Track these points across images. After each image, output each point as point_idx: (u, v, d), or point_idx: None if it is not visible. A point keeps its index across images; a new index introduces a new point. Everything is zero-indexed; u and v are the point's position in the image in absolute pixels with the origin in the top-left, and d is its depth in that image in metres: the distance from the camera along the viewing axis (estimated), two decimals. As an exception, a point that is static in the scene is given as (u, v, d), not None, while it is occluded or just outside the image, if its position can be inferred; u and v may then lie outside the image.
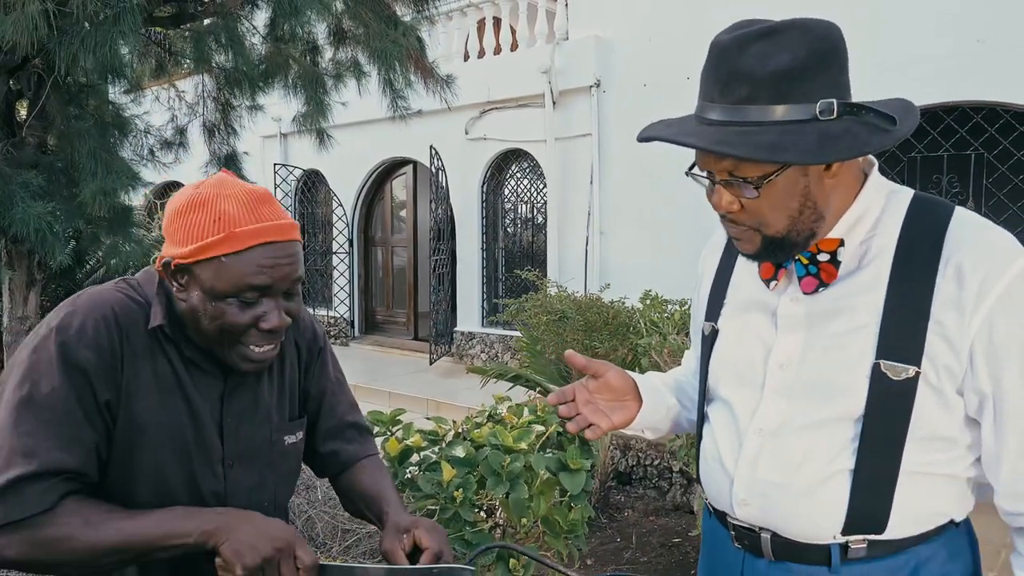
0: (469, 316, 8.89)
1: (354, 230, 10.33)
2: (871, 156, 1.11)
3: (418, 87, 5.64)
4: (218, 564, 1.01)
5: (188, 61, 5.05)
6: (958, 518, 1.07)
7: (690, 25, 6.55)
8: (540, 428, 2.52)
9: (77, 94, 4.49)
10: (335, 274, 10.39)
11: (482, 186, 8.74)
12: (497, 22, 8.56)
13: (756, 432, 1.09)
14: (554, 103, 7.77)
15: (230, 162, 5.39)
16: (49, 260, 4.69)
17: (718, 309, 1.21)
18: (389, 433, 2.45)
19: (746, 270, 1.18)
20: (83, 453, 1.03)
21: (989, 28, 5.38)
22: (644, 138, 1.05)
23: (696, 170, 1.05)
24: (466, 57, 8.69)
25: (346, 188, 10.18)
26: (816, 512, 1.04)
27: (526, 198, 8.68)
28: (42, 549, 1.00)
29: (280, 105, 6.53)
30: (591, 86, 7.53)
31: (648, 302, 4.74)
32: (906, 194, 1.08)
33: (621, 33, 7.38)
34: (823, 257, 1.05)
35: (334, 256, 10.39)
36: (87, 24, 3.44)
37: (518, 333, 5.54)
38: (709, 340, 1.21)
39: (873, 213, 1.06)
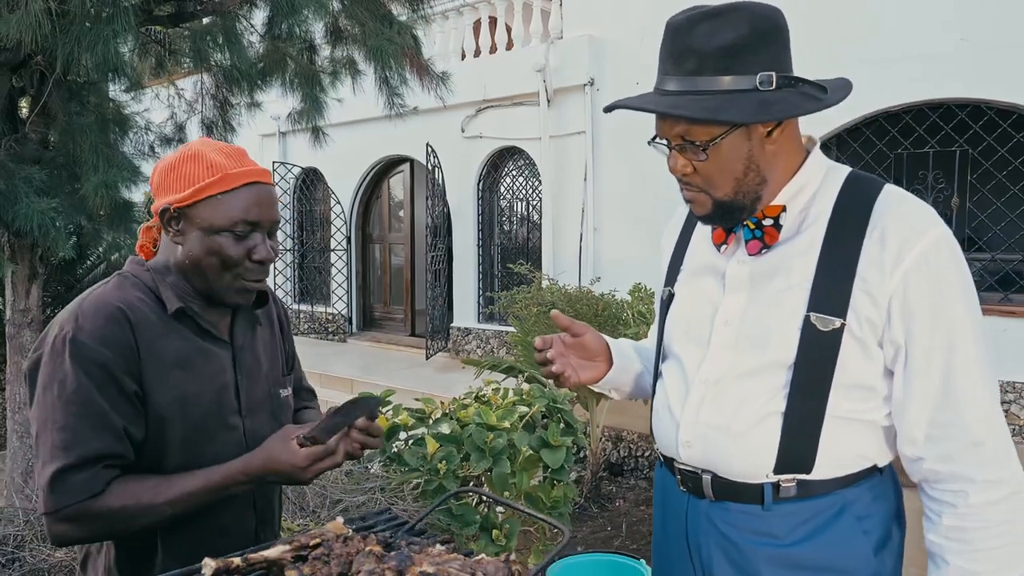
0: (465, 312, 8.98)
1: (352, 227, 10.43)
2: (813, 135, 1.23)
3: (413, 84, 5.75)
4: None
5: (187, 60, 5.14)
6: (881, 463, 1.17)
7: (681, 24, 6.63)
8: (524, 409, 2.62)
9: (78, 91, 4.59)
10: (333, 271, 10.48)
11: (478, 183, 8.84)
12: (493, 21, 8.66)
13: (702, 382, 1.20)
14: (549, 101, 7.87)
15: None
16: (51, 255, 4.79)
17: (675, 276, 1.33)
18: (379, 412, 2.55)
19: (701, 239, 1.29)
20: (116, 438, 1.15)
21: (973, 27, 5.49)
22: (610, 108, 1.18)
23: (658, 140, 1.17)
24: (462, 56, 8.79)
25: (344, 186, 10.28)
26: (750, 452, 1.14)
27: (521, 195, 8.78)
28: (105, 526, 1.14)
29: (279, 103, 6.62)
30: (585, 84, 7.63)
31: (637, 295, 4.84)
32: (843, 170, 1.20)
33: (614, 32, 7.48)
34: (767, 222, 1.17)
35: (332, 253, 10.49)
36: (88, 24, 3.53)
37: (513, 329, 5.65)
38: (666, 304, 1.33)
39: (813, 185, 1.17)
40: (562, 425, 2.80)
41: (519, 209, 8.86)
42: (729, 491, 1.17)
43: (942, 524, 1.09)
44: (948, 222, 5.75)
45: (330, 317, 10.47)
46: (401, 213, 10.33)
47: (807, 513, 1.13)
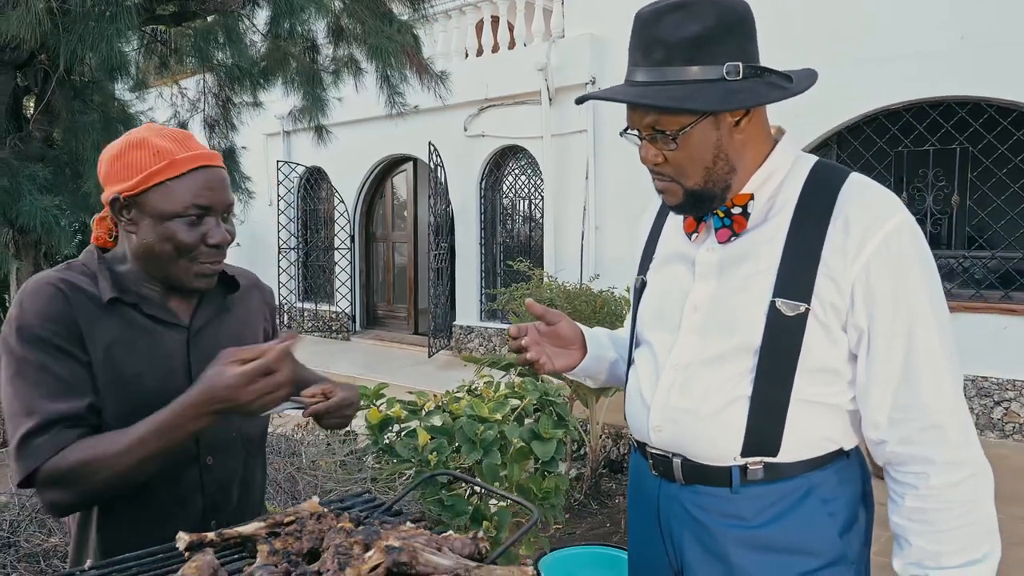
0: (467, 310, 9.02)
1: (356, 226, 10.48)
2: (782, 126, 1.25)
3: (414, 83, 5.78)
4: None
5: (190, 59, 5.19)
6: (847, 447, 1.19)
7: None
8: (516, 402, 2.65)
9: (82, 90, 4.64)
10: (337, 270, 10.54)
11: (480, 182, 8.87)
12: (495, 20, 8.70)
13: (672, 367, 1.22)
14: (550, 100, 7.90)
15: (228, 157, 5.53)
16: (56, 252, 4.84)
17: (648, 264, 1.35)
18: (372, 405, 2.59)
19: (673, 228, 1.32)
20: (76, 402, 1.14)
21: (972, 25, 5.49)
22: (581, 99, 1.21)
23: (629, 131, 1.19)
24: (465, 55, 8.83)
25: (348, 185, 10.33)
26: (718, 435, 1.16)
27: (523, 194, 8.80)
28: (82, 483, 1.11)
29: (283, 103, 6.66)
30: (586, 83, 7.65)
31: (635, 292, 4.85)
32: (810, 159, 1.22)
33: (615, 31, 7.49)
34: (736, 211, 1.19)
35: (336, 252, 10.54)
36: (91, 22, 3.58)
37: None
38: (639, 292, 1.35)
39: (780, 173, 1.19)
40: (555, 418, 2.83)
41: (521, 208, 8.88)
42: (698, 474, 1.19)
43: (904, 505, 1.11)
44: (948, 220, 5.70)
45: (334, 315, 10.52)
46: (404, 212, 10.37)
47: (774, 496, 1.15)
